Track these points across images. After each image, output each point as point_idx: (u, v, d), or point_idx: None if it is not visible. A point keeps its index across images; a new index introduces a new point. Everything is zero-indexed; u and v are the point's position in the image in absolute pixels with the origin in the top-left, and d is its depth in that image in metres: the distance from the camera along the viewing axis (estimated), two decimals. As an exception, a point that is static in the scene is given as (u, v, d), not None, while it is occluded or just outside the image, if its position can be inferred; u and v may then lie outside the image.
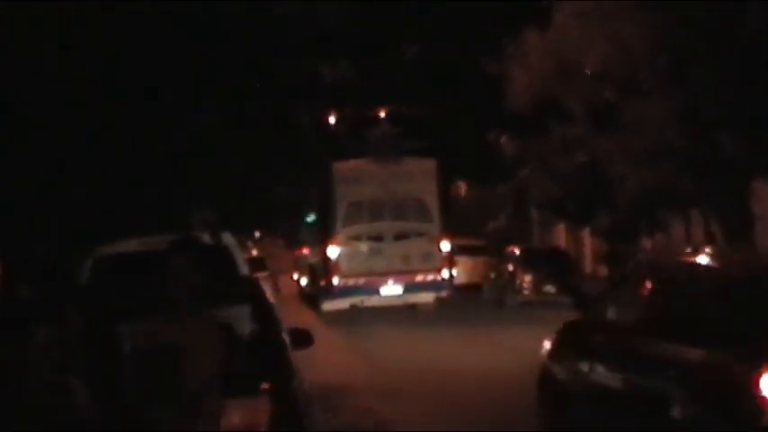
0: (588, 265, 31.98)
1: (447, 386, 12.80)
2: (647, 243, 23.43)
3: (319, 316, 21.41)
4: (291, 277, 28.44)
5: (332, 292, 21.25)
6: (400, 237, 21.28)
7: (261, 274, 22.31)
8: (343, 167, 21.50)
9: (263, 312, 7.18)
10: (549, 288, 24.39)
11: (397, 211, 21.52)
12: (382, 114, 24.14)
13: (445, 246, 20.89)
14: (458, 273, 31.45)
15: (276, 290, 22.53)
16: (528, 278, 24.94)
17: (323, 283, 21.80)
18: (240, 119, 14.26)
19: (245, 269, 10.04)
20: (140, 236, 10.85)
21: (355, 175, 21.41)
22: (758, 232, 21.56)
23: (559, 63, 22.05)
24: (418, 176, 21.92)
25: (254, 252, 31.64)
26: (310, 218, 25.67)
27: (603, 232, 25.73)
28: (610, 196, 22.42)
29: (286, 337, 7.46)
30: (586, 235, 30.28)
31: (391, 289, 21.23)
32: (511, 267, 25.80)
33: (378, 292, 21.18)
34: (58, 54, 8.61)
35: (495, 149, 28.02)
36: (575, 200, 25.71)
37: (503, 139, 27.95)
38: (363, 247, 21.22)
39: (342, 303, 21.32)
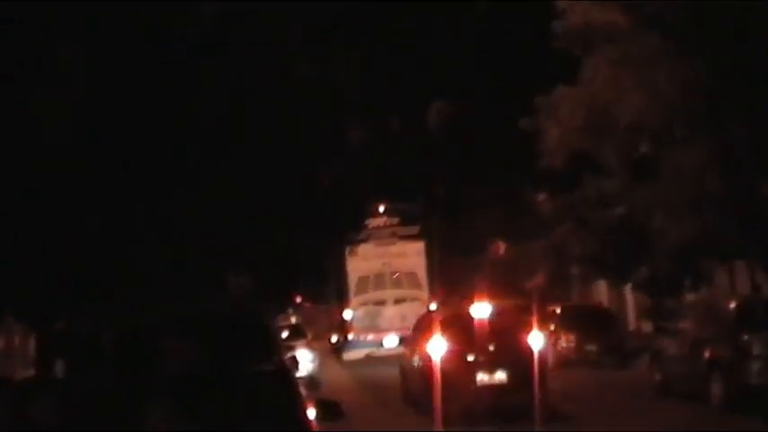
0: (632, 322, 31.18)
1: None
2: (690, 296, 22.74)
3: (341, 363, 28.04)
4: (329, 339, 33.09)
5: (348, 345, 28.51)
6: (398, 301, 28.00)
7: (298, 342, 22.29)
8: (353, 251, 27.08)
9: (289, 388, 6.76)
10: (592, 347, 23.68)
11: (395, 281, 28.66)
12: (381, 208, 29.41)
13: (433, 307, 22.31)
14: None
15: (314, 356, 22.53)
16: (570, 337, 24.26)
17: (341, 338, 29.31)
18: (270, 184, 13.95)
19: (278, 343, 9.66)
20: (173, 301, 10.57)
21: (362, 256, 27.92)
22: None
23: (591, 115, 21.72)
24: (411, 255, 28.99)
25: (293, 319, 31.41)
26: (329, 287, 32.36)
27: (645, 286, 25.06)
28: (650, 249, 21.84)
29: (314, 411, 7.08)
30: (629, 290, 29.56)
31: (391, 341, 27.09)
32: (552, 327, 25.15)
33: (382, 344, 27.13)
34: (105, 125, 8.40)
35: (532, 206, 27.61)
36: (614, 254, 25.11)
37: (540, 197, 27.56)
38: (370, 310, 28.19)
39: (357, 354, 27.77)
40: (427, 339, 14.76)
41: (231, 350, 7.19)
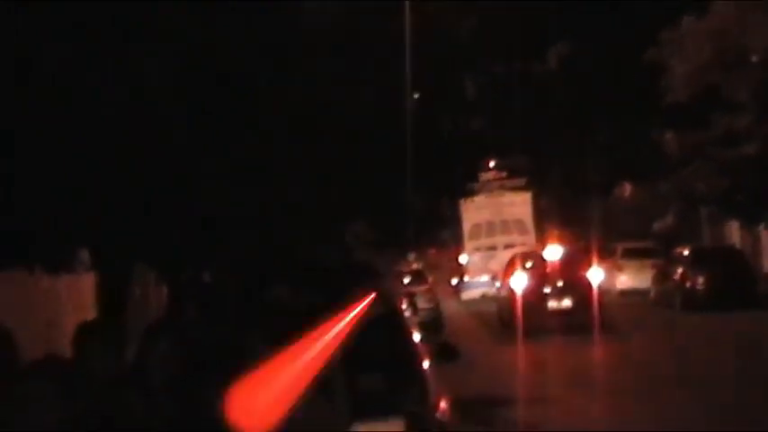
0: (766, 264, 30.10)
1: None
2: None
3: (459, 301, 31.39)
4: (450, 281, 36.13)
5: (465, 286, 31.95)
6: (508, 246, 29.84)
7: (420, 287, 22.49)
8: (467, 202, 30.87)
9: (400, 330, 6.80)
10: (722, 289, 22.92)
11: (504, 228, 31.67)
12: (492, 163, 32.68)
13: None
14: (624, 277, 30.33)
15: (434, 300, 22.71)
16: (700, 280, 23.55)
17: (459, 280, 33.03)
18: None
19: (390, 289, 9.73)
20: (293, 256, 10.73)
21: (475, 206, 31.67)
22: None
23: (720, 49, 20.88)
24: (518, 205, 31.93)
25: (414, 265, 31.66)
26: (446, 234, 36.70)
27: (780, 226, 24.12)
28: (783, 187, 20.97)
29: (429, 353, 7.13)
30: (763, 231, 28.51)
31: None
32: (680, 269, 24.46)
33: (494, 285, 27.52)
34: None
35: (658, 146, 26.84)
36: (746, 193, 24.21)
37: (666, 135, 26.73)
38: (483, 254, 31.20)
39: (473, 293, 30.64)
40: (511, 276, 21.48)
41: (343, 298, 7.21)
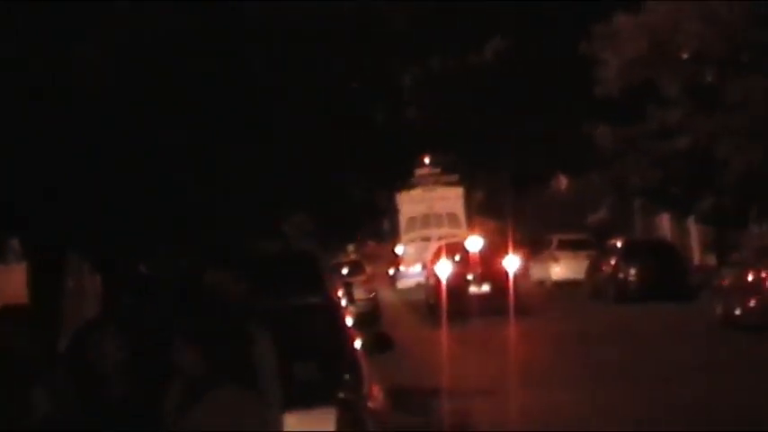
0: (696, 256, 30.75)
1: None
2: (755, 228, 22.29)
3: (394, 290, 32.59)
4: (387, 272, 36.81)
5: (400, 276, 33.32)
6: (441, 238, 30.28)
7: (358, 278, 22.58)
8: (403, 195, 32.45)
9: (334, 320, 6.86)
10: (653, 281, 23.37)
11: (438, 221, 33.53)
12: (426, 160, 34.49)
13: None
14: (558, 268, 30.75)
15: (371, 290, 22.87)
16: (632, 271, 23.98)
17: (395, 270, 34.28)
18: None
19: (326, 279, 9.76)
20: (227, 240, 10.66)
21: (411, 200, 33.35)
22: None
23: (653, 45, 21.23)
24: (452, 199, 34.20)
25: (353, 256, 31.78)
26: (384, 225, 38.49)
27: (709, 218, 24.62)
28: (714, 180, 21.42)
29: (363, 343, 7.20)
30: (692, 223, 29.11)
31: None
32: (613, 261, 24.88)
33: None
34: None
35: (593, 139, 27.21)
36: (677, 186, 24.69)
37: (601, 129, 27.12)
38: (418, 246, 32.42)
39: (408, 282, 31.79)
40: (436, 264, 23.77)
41: (280, 287, 7.26)
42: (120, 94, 7.34)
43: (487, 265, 23.24)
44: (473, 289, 22.85)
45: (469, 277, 22.98)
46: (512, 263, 23.70)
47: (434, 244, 29.30)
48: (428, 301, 23.84)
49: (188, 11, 8.03)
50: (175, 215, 9.78)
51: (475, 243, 24.91)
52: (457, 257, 23.86)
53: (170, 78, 8.96)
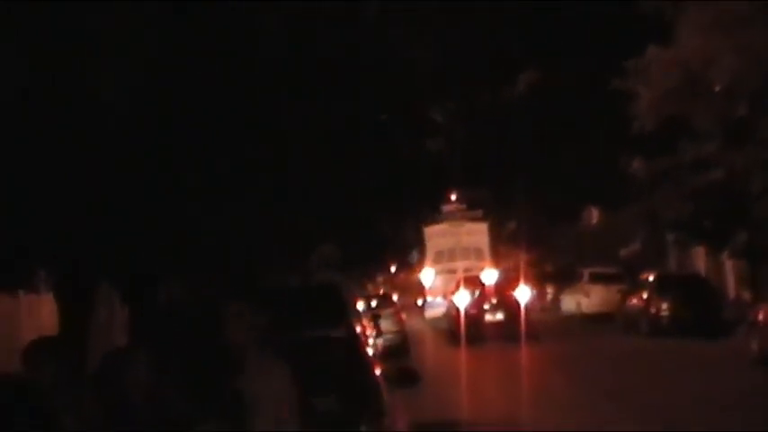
0: (731, 291, 30.38)
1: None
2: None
3: (423, 319, 33.74)
4: (416, 302, 38.82)
5: (428, 305, 34.36)
6: (467, 270, 32.13)
7: (386, 310, 22.57)
8: (431, 230, 35.16)
9: (356, 352, 6.85)
10: (688, 316, 23.13)
11: (464, 254, 35.30)
12: (453, 196, 36.88)
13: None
14: (590, 301, 30.54)
15: (399, 322, 23.01)
16: (664, 306, 23.75)
17: (424, 300, 36.01)
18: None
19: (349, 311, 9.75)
20: (254, 273, 10.73)
21: (438, 234, 35.63)
22: None
23: (685, 78, 21.17)
24: (477, 233, 36.04)
25: (381, 288, 31.94)
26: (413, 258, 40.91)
27: (743, 253, 24.37)
28: (748, 214, 21.21)
29: (389, 377, 7.20)
30: (727, 257, 28.81)
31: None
32: (646, 295, 24.66)
33: None
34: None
35: (626, 172, 27.12)
36: (711, 220, 24.50)
37: (635, 162, 27.03)
38: (445, 277, 33.46)
39: (435, 312, 32.19)
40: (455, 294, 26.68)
41: (303, 318, 7.28)
42: (144, 125, 7.42)
43: (502, 296, 25.93)
44: (488, 317, 25.30)
45: (486, 306, 25.53)
46: (523, 293, 26.28)
47: (462, 275, 31.25)
48: (449, 328, 26.29)
49: (210, 44, 8.11)
50: (201, 245, 9.83)
51: (491, 275, 28.91)
52: (475, 289, 26.75)
53: (198, 109, 9.06)
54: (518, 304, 25.29)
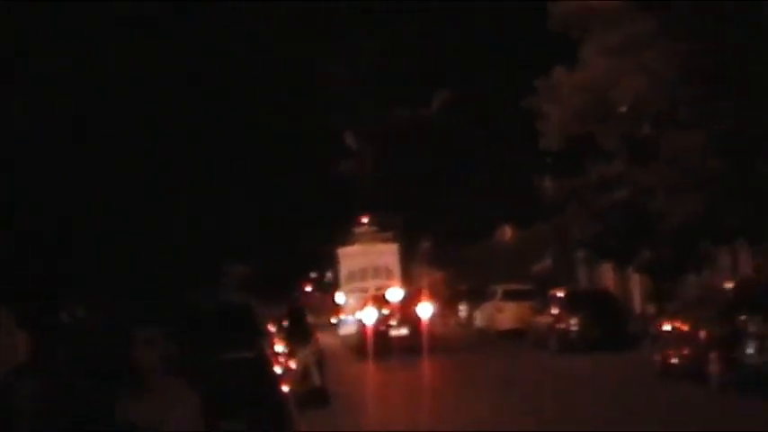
0: (638, 305, 31.18)
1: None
2: (692, 278, 22.71)
3: (336, 336, 34.04)
4: (330, 320, 39.66)
5: (341, 323, 34.92)
6: (378, 289, 33.11)
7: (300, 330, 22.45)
8: (343, 250, 35.57)
9: (265, 375, 6.92)
10: (596, 331, 23.67)
11: (375, 274, 35.73)
12: (365, 219, 38.63)
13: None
14: (503, 318, 30.99)
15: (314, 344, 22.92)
16: (573, 321, 24.27)
17: (337, 318, 36.41)
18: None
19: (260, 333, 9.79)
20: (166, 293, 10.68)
21: (351, 254, 36.21)
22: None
23: (590, 99, 21.69)
24: (387, 254, 36.68)
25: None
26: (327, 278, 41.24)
27: (648, 269, 25.05)
28: (652, 231, 21.83)
29: (298, 398, 7.28)
30: (633, 273, 29.55)
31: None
32: (555, 311, 25.17)
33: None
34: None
35: (538, 191, 27.65)
36: (617, 237, 25.11)
37: (546, 181, 27.57)
38: (357, 296, 33.65)
39: (348, 329, 33.01)
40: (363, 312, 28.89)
41: (215, 341, 7.34)
42: (45, 148, 7.39)
43: (406, 312, 28.54)
44: (393, 332, 27.84)
45: (391, 322, 28.13)
46: (425, 310, 28.69)
47: (370, 294, 33.36)
48: (359, 344, 28.38)
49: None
50: (106, 269, 9.76)
51: (396, 293, 31.01)
52: (381, 306, 29.19)
53: (104, 131, 9.01)
54: (420, 320, 28.04)
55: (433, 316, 30.54)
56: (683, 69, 19.07)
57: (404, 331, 27.73)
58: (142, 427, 4.63)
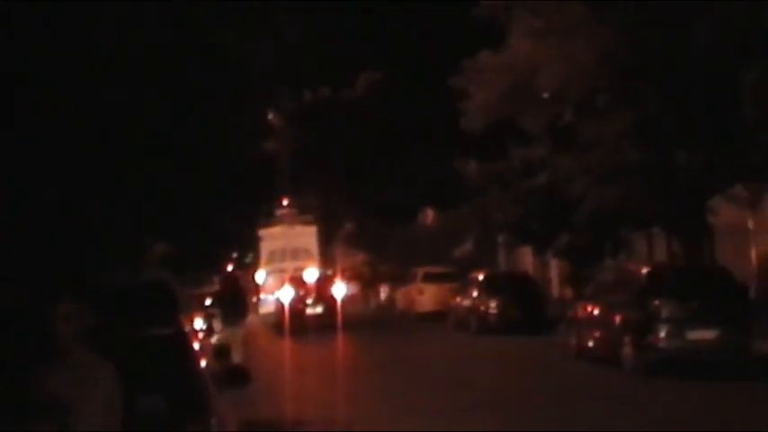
0: (555, 289, 31.72)
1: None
2: (609, 263, 23.17)
3: (257, 315, 35.13)
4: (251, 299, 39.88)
5: (261, 302, 37.32)
6: (296, 270, 34.98)
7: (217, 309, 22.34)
8: (264, 232, 35.79)
9: (184, 351, 6.83)
10: (515, 314, 24.01)
11: (294, 255, 38.55)
12: (285, 202, 40.68)
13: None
14: (423, 300, 31.23)
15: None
16: (492, 304, 24.57)
17: (255, 298, 37.50)
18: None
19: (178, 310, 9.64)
20: (83, 273, 10.51)
21: (271, 236, 37.57)
22: (718, 247, 21.41)
23: (514, 83, 21.90)
24: (306, 236, 39.61)
25: (216, 287, 31.59)
26: (248, 258, 42.76)
27: (566, 253, 25.49)
28: (571, 217, 22.19)
29: (218, 376, 7.21)
30: (552, 257, 30.03)
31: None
32: (475, 294, 25.44)
33: None
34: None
35: (461, 174, 27.86)
36: (537, 221, 25.49)
37: (469, 165, 27.77)
38: (276, 276, 36.13)
39: (268, 308, 35.19)
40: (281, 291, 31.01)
41: (132, 317, 7.21)
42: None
43: (321, 292, 30.04)
44: (309, 311, 29.36)
45: (308, 301, 29.58)
46: (339, 290, 30.69)
47: (288, 275, 34.56)
48: (277, 322, 29.73)
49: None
50: (23, 243, 9.58)
51: (312, 274, 32.59)
52: (298, 286, 30.56)
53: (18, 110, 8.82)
54: (335, 299, 29.74)
55: (354, 297, 33.44)
56: (604, 57, 19.37)
57: (318, 310, 29.32)
58: (60, 400, 4.55)
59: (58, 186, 10.61)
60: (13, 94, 8.60)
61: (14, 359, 5.30)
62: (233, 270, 45.41)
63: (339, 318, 27.57)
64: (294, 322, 27.23)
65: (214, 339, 16.39)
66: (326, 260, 39.96)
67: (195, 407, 6.26)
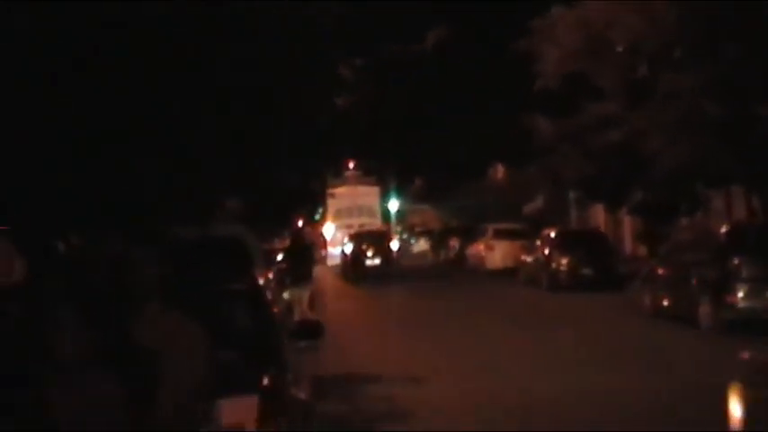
0: (628, 246, 31.29)
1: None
2: (684, 221, 22.73)
3: (326, 266, 38.42)
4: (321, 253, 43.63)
5: (330, 255, 40.58)
6: (361, 225, 40.25)
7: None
8: (332, 191, 40.98)
9: (259, 306, 6.84)
10: (586, 271, 23.75)
11: (359, 212, 43.44)
12: (351, 164, 45.20)
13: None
14: (493, 256, 31.11)
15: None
16: (564, 261, 24.31)
17: (324, 251, 40.99)
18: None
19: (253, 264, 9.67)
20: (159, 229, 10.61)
21: (339, 195, 42.86)
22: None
23: (588, 37, 21.51)
24: (370, 196, 44.76)
25: (287, 242, 31.81)
26: (318, 214, 46.87)
27: (641, 211, 25.07)
28: (646, 173, 21.78)
29: (289, 331, 7.24)
30: (625, 215, 29.61)
31: None
32: (546, 250, 25.20)
33: None
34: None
35: (530, 131, 27.53)
36: (610, 179, 25.08)
37: (539, 121, 27.42)
38: (343, 231, 40.15)
39: (335, 260, 39.08)
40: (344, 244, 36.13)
41: (205, 271, 7.21)
42: (40, 76, 7.26)
43: (380, 246, 35.09)
44: (369, 262, 34.23)
45: (368, 254, 34.41)
46: (395, 245, 37.09)
47: (354, 230, 39.14)
48: (343, 271, 34.44)
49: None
50: (103, 199, 9.67)
51: (373, 230, 37.89)
52: (358, 240, 35.25)
53: (97, 66, 8.86)
54: (391, 252, 35.91)
55: (424, 252, 38.21)
56: (681, 10, 18.87)
57: (377, 261, 34.36)
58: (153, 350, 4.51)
59: (136, 144, 10.67)
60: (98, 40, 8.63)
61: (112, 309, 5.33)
62: (303, 225, 46.35)
63: (394, 269, 33.76)
64: (357, 271, 32.24)
65: (285, 295, 16.53)
66: (398, 216, 43.90)
67: (271, 361, 6.28)
